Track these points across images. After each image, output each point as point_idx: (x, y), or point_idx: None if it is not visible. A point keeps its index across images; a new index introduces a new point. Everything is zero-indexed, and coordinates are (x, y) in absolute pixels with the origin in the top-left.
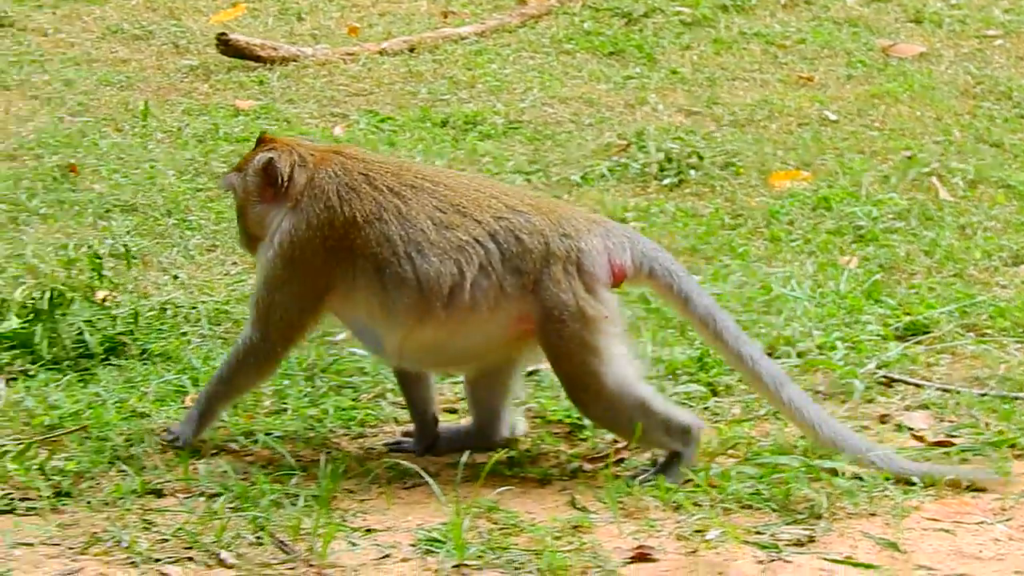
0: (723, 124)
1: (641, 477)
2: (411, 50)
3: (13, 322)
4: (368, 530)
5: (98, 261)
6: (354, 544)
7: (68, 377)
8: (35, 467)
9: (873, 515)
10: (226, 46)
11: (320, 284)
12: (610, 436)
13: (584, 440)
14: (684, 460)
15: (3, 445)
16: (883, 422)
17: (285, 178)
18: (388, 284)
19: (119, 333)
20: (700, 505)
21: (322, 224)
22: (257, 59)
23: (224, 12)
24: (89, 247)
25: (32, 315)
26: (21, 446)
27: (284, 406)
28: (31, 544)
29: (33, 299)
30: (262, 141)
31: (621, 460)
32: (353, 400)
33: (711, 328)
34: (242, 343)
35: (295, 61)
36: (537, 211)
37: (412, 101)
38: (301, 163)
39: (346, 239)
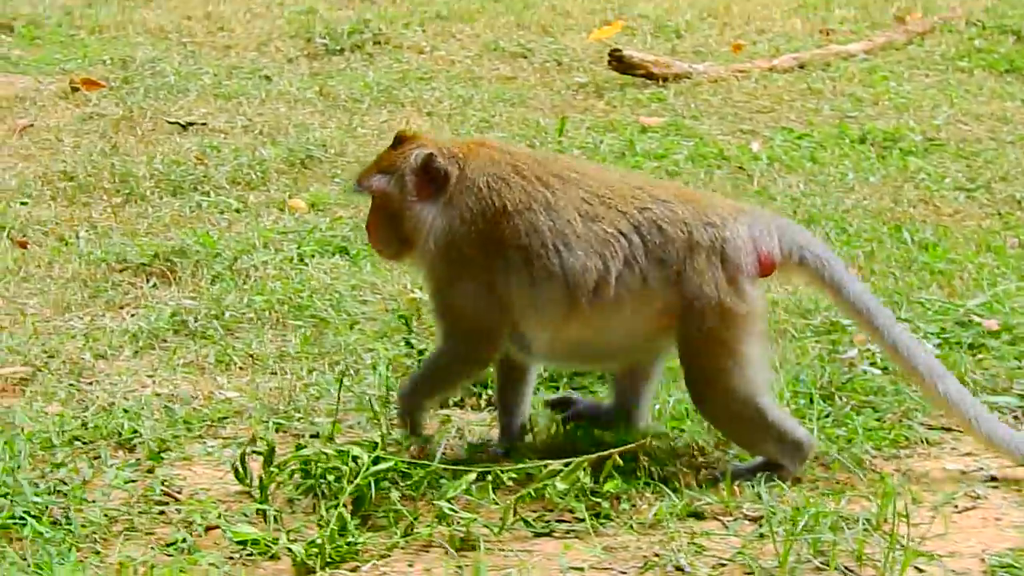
0: None
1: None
2: (801, 67)
3: None
4: (931, 555)
5: None
6: (921, 571)
7: None
8: (575, 488)
9: None
10: (619, 62)
11: (485, 279)
12: None
13: None
14: (785, 474)
15: (549, 465)
16: None
17: (444, 173)
18: (536, 278)
19: None
20: None
21: (475, 216)
22: (649, 76)
23: (602, 30)
24: None
25: None
26: (570, 467)
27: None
28: (580, 568)
29: None
30: (403, 140)
31: None
32: (877, 420)
33: (864, 316)
34: (439, 350)
35: (688, 78)
36: (681, 200)
37: (817, 118)
38: (451, 157)
39: (497, 230)
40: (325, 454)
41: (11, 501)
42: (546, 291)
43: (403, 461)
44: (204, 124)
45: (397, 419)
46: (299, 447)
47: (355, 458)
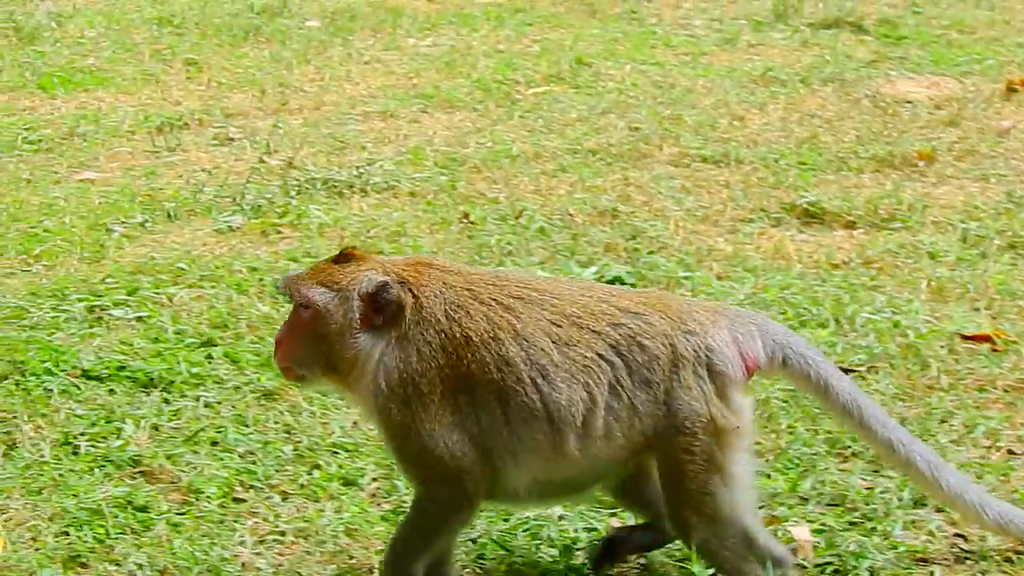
0: None
1: None
2: None
3: None
4: None
5: None
6: None
7: None
8: None
9: None
10: None
11: (451, 420)
12: None
13: None
14: None
15: None
16: None
17: (398, 305)
18: (513, 417)
19: None
20: None
21: (434, 352)
22: None
23: None
24: None
25: None
26: None
27: None
28: None
29: None
30: (348, 257)
31: None
32: None
33: (856, 417)
34: (419, 498)
35: None
36: (653, 309)
37: None
38: (402, 282)
39: (461, 365)
40: None
41: None
42: (526, 430)
43: None
44: None
45: None
46: None
47: None
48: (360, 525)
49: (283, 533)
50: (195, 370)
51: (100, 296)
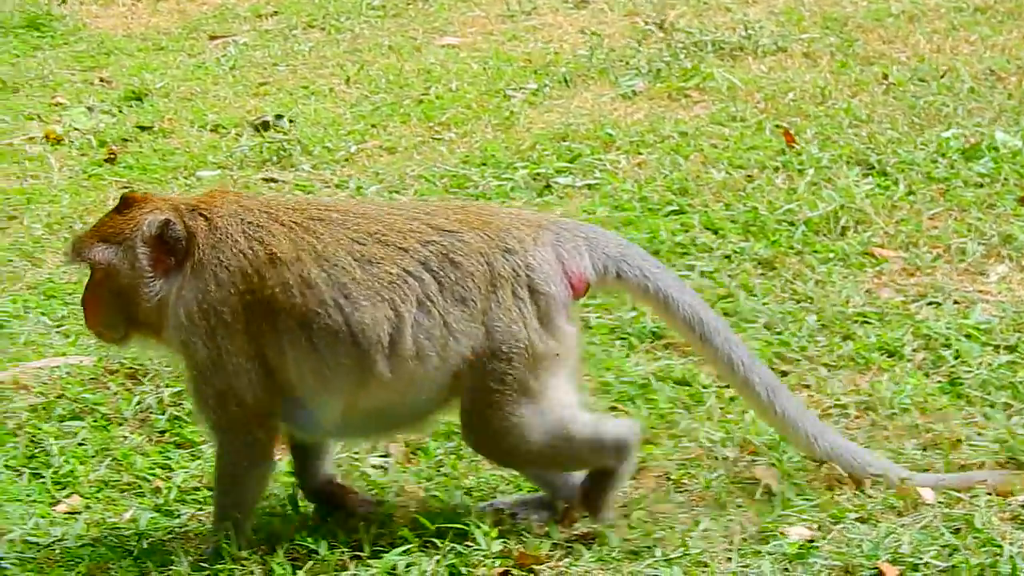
0: None
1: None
2: None
3: None
4: None
5: None
6: None
7: None
8: None
9: None
10: None
11: (253, 351)
12: None
13: None
14: (617, 478)
15: None
16: None
17: (183, 240)
18: (318, 342)
19: None
20: None
21: (233, 277)
22: None
23: None
24: None
25: None
26: None
27: None
28: None
29: None
30: (131, 202)
31: None
32: None
33: (696, 331)
34: (219, 453)
35: None
36: (469, 227)
37: None
38: (193, 210)
39: (264, 288)
40: None
41: None
42: (331, 354)
43: None
44: None
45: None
46: None
47: None
48: (923, 398)
49: (844, 407)
50: (678, 238)
51: (537, 164)
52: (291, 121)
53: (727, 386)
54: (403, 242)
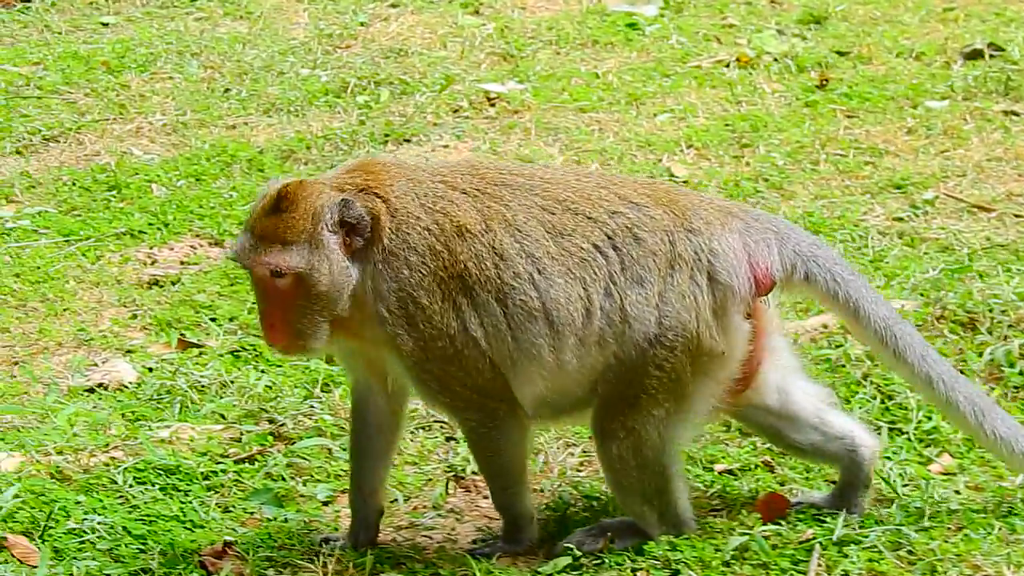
0: None
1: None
2: None
3: None
4: None
5: None
6: None
7: None
8: None
9: None
10: None
11: (457, 329)
12: None
13: None
14: (643, 540)
15: None
16: None
17: (367, 217)
18: (513, 318)
19: None
20: None
21: (423, 256)
22: None
23: None
24: None
25: None
26: None
27: None
28: None
29: None
30: (286, 199)
31: None
32: None
33: (890, 347)
34: (468, 438)
35: None
36: (657, 203)
37: None
38: (363, 191)
39: (454, 263)
40: None
41: None
42: (527, 333)
43: None
44: None
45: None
46: None
47: None
48: None
49: None
50: None
51: None
52: (1000, 49)
53: None
54: (593, 211)
